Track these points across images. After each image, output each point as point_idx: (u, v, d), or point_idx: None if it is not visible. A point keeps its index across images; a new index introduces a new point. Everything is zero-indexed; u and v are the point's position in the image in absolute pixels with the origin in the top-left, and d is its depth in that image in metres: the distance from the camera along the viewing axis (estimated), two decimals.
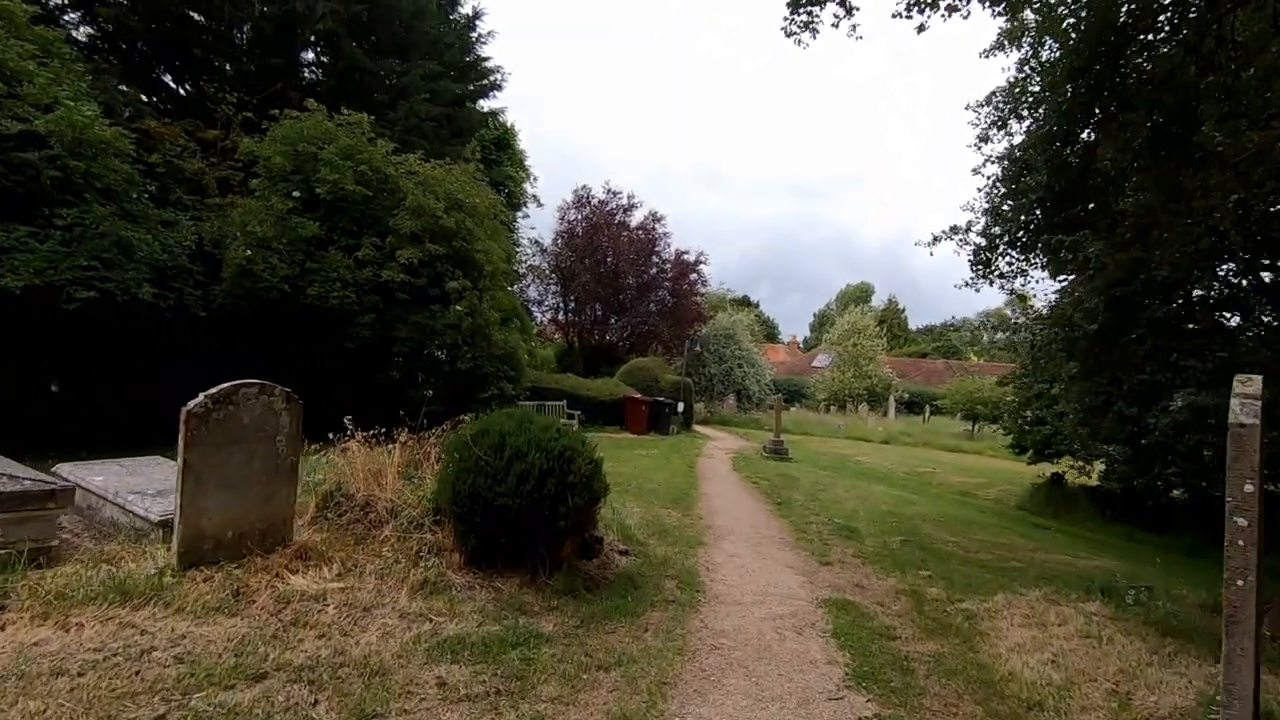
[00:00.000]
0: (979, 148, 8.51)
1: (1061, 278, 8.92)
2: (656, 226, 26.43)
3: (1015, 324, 14.49)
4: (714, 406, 29.01)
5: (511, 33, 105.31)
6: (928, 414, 34.85)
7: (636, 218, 26.58)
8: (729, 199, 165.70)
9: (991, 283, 8.45)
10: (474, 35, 18.89)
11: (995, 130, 8.37)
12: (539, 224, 64.27)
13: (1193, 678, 3.58)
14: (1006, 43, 7.85)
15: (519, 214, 24.16)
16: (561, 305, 27.32)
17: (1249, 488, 2.17)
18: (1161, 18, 6.97)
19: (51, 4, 12.15)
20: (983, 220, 8.29)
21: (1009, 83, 8.11)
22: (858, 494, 10.55)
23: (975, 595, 5.05)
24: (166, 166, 10.65)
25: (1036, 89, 7.84)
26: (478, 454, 4.06)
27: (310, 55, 16.50)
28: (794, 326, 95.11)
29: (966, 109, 8.51)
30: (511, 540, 4.08)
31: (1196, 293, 7.25)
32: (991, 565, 6.38)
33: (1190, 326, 7.24)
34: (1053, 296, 9.15)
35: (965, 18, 6.80)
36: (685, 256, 26.63)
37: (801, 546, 6.45)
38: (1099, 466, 12.05)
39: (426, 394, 9.12)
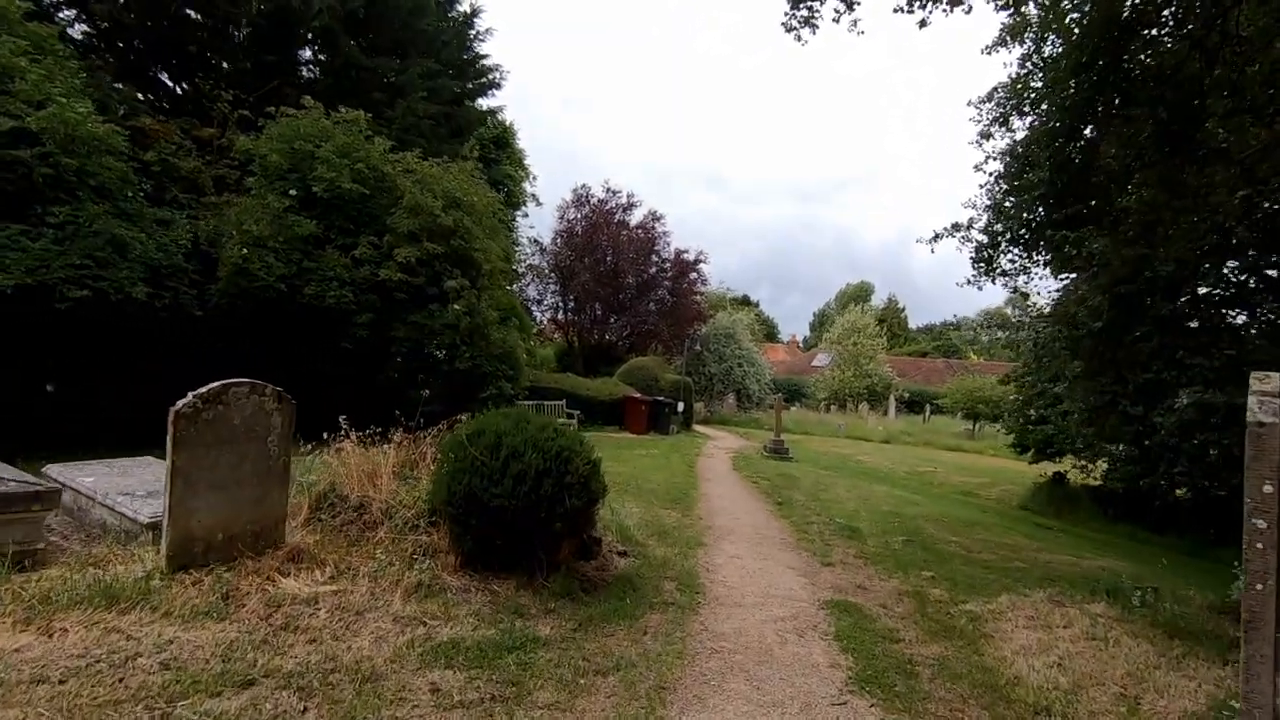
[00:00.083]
0: (981, 144, 8.46)
1: (1063, 276, 8.85)
2: (656, 225, 26.38)
3: (1018, 322, 14.42)
4: (714, 406, 28.94)
5: (510, 31, 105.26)
6: (928, 413, 34.77)
7: (636, 217, 26.55)
8: (729, 201, 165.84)
9: (994, 280, 8.39)
10: (472, 33, 18.79)
11: (997, 126, 8.32)
12: (538, 223, 64.35)
13: (1202, 681, 3.52)
14: (1009, 38, 7.78)
15: (518, 213, 24.04)
16: (561, 304, 27.24)
17: (1268, 488, 2.10)
18: (1166, 12, 6.90)
19: (45, 1, 12.05)
20: (984, 217, 8.24)
21: (1011, 78, 8.05)
22: (859, 494, 10.48)
23: (979, 596, 4.98)
24: (162, 165, 10.56)
25: (1039, 85, 7.77)
26: (473, 454, 3.99)
27: (307, 53, 16.39)
28: (794, 326, 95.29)
29: (968, 105, 8.45)
30: (508, 542, 4.01)
31: (1202, 290, 7.18)
32: (995, 566, 6.31)
33: (1195, 325, 7.17)
34: (1055, 295, 9.08)
35: (968, 12, 6.73)
36: (685, 256, 26.58)
37: (803, 547, 6.38)
38: (1102, 466, 11.98)
39: (423, 393, 9.03)
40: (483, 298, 11.94)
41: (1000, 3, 7.26)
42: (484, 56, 19.31)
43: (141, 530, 3.99)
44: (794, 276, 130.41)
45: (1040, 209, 7.69)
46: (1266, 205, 6.47)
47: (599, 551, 4.77)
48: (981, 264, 8.30)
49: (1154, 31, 7.04)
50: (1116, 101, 7.03)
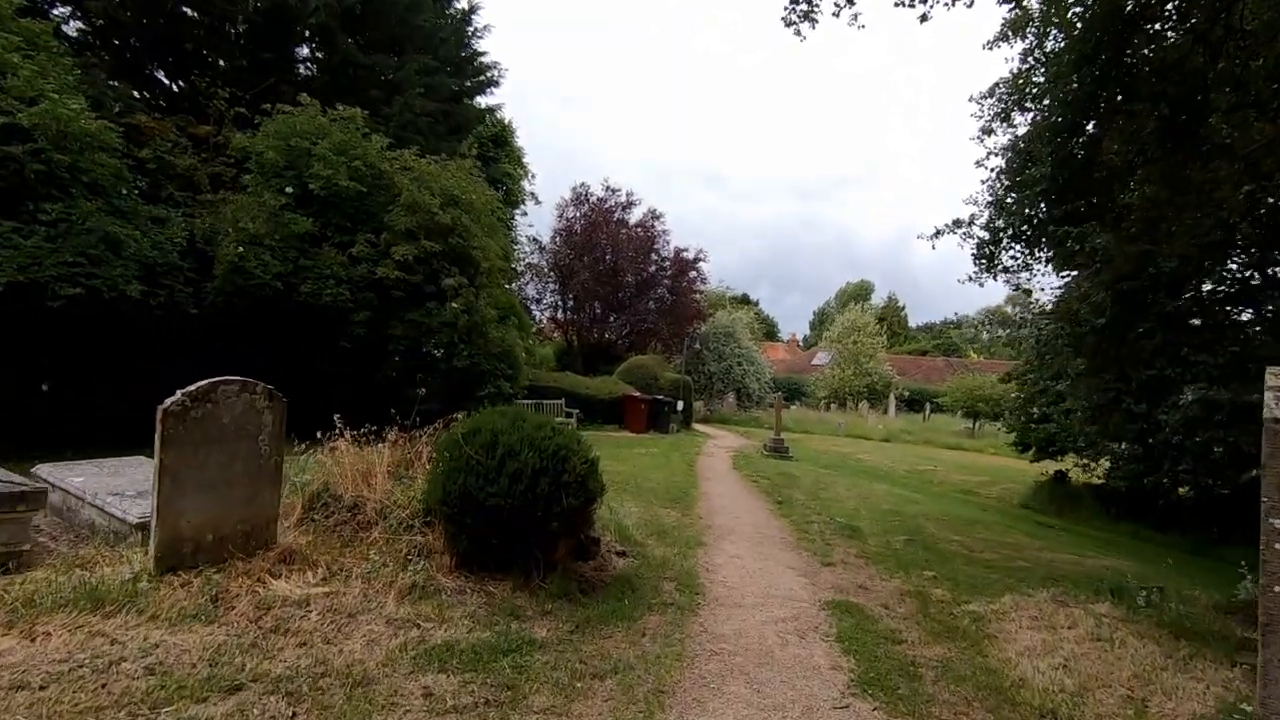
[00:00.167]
0: (982, 140, 8.40)
1: (1065, 273, 8.79)
2: (655, 224, 26.31)
3: (1019, 319, 14.37)
4: (714, 405, 28.87)
5: (509, 29, 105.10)
6: (928, 412, 34.71)
7: (635, 215, 26.47)
8: (729, 200, 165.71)
9: (995, 277, 8.33)
10: (470, 30, 18.67)
11: (999, 122, 8.25)
12: (537, 222, 64.25)
13: (1210, 683, 3.45)
14: (1010, 33, 7.70)
15: (517, 211, 23.96)
16: (560, 303, 27.16)
17: None
18: (1169, 6, 6.83)
19: None
20: (986, 213, 8.17)
21: (1012, 74, 7.98)
22: (859, 492, 10.42)
23: (982, 596, 4.92)
24: (157, 162, 10.48)
25: (1041, 80, 7.71)
26: (469, 453, 3.92)
27: (304, 50, 16.30)
28: (793, 325, 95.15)
29: (970, 101, 8.38)
30: (504, 542, 3.95)
31: (1206, 286, 7.12)
32: (997, 565, 6.25)
33: (1199, 322, 7.11)
34: (1057, 291, 9.02)
35: (969, 5, 6.66)
36: (684, 254, 26.50)
37: (803, 547, 6.32)
38: (1104, 464, 11.92)
39: (420, 392, 8.97)
40: (481, 296, 11.86)
41: None
42: (482, 54, 19.21)
43: (131, 531, 3.92)
44: (794, 275, 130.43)
45: (1042, 205, 7.62)
46: (1270, 201, 6.42)
47: (597, 551, 4.70)
48: (983, 261, 8.24)
49: (1157, 25, 6.97)
50: (1119, 96, 6.96)
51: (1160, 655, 3.78)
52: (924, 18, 6.86)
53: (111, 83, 12.00)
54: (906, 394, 37.63)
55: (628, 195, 26.42)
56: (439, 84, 16.79)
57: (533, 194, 25.35)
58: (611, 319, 26.76)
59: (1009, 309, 40.57)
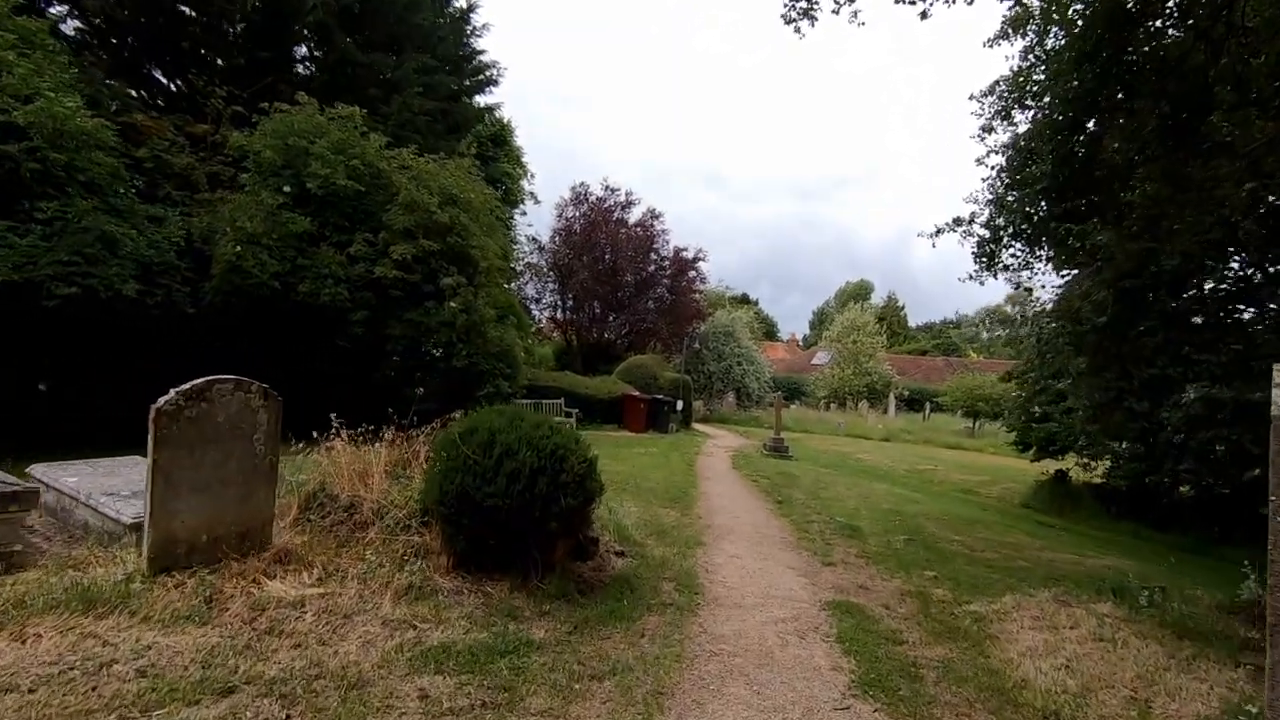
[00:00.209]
0: (982, 138, 8.37)
1: (1066, 272, 8.76)
2: (655, 223, 26.26)
3: (1020, 318, 14.34)
4: (713, 404, 28.84)
5: (508, 29, 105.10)
6: (928, 411, 34.69)
7: (635, 214, 26.42)
8: (728, 199, 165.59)
9: (996, 275, 8.31)
10: (468, 29, 18.63)
11: (999, 120, 8.22)
12: (536, 221, 64.31)
13: (1214, 684, 3.42)
14: (1011, 30, 7.68)
15: (516, 211, 23.92)
16: (559, 303, 27.11)
17: None
18: (1170, 2, 6.81)
19: None
20: (986, 212, 8.14)
21: (1013, 71, 7.95)
22: (859, 492, 10.39)
23: (983, 596, 4.89)
24: (155, 161, 10.42)
25: (1041, 77, 7.68)
26: (466, 452, 3.88)
27: (302, 49, 16.26)
28: (793, 325, 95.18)
29: (970, 99, 8.35)
30: (501, 542, 3.91)
31: (1208, 285, 7.09)
32: (998, 565, 6.22)
33: (1201, 320, 7.08)
34: (1058, 290, 9.00)
35: (970, 2, 6.62)
36: (684, 254, 26.46)
37: (803, 546, 6.29)
38: (1105, 463, 11.89)
39: (418, 391, 8.92)
40: (480, 295, 11.82)
41: None
42: (481, 52, 19.18)
43: (125, 531, 3.88)
44: (793, 275, 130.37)
45: (1043, 203, 7.60)
46: (1272, 199, 6.39)
47: (595, 552, 4.67)
48: (983, 259, 8.21)
49: (1158, 23, 6.95)
50: (1120, 94, 6.94)
51: (1163, 655, 3.75)
52: (924, 15, 6.83)
53: (109, 81, 11.95)
54: (906, 393, 37.60)
55: (627, 195, 26.41)
56: (437, 83, 16.76)
57: (532, 193, 25.33)
58: (611, 318, 26.72)
59: (1009, 308, 40.58)
